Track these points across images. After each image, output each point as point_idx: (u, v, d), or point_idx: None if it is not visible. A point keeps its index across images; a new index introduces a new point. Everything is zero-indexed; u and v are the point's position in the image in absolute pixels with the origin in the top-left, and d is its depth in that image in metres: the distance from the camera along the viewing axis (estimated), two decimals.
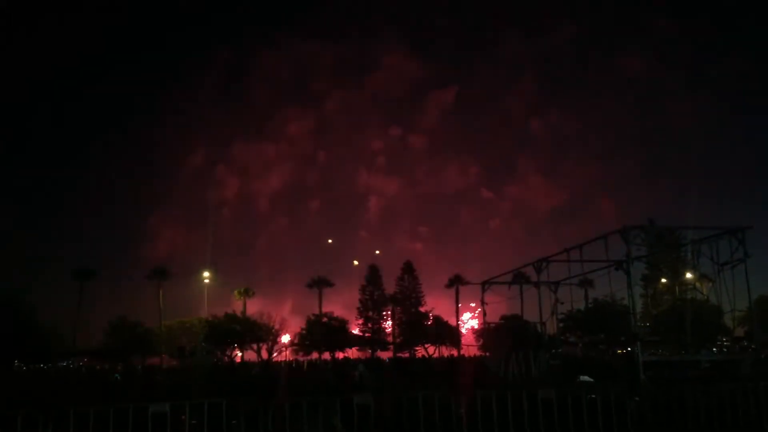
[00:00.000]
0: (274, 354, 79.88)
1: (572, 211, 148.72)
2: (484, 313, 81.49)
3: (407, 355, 79.81)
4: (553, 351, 68.56)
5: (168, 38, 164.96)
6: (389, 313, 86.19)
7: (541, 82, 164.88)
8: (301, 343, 76.25)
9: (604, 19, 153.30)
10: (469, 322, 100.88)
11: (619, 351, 67.24)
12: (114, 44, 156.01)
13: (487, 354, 73.12)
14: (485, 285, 76.55)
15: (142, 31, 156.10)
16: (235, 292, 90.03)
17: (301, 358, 76.34)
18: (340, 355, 76.90)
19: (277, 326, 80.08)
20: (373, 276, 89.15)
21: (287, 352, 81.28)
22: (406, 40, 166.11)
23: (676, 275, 66.59)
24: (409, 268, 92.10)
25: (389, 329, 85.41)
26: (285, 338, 79.96)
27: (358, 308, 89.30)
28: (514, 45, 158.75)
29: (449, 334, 79.72)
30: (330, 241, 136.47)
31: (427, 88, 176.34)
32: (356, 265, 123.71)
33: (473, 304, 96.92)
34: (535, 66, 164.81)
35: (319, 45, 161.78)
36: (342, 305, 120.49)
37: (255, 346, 76.91)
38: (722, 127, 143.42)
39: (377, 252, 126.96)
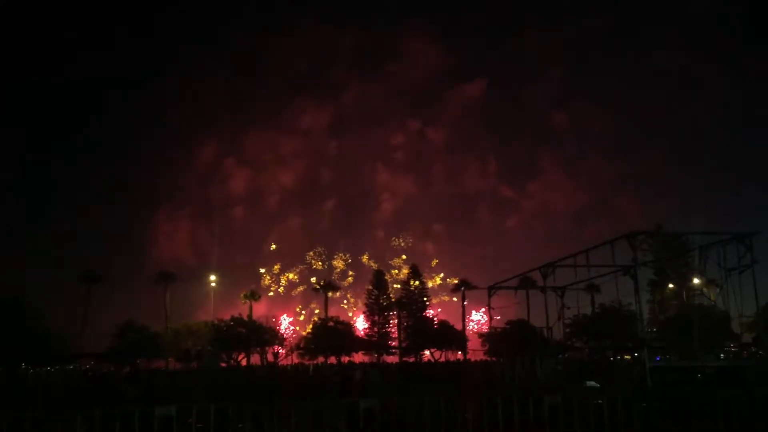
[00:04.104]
0: (280, 359, 79.95)
1: (594, 210, 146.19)
2: (490, 318, 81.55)
3: (413, 359, 79.64)
4: (560, 356, 68.44)
5: (175, 23, 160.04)
6: (395, 316, 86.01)
7: (567, 76, 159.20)
8: (307, 347, 76.15)
9: (634, 7, 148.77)
10: (475, 325, 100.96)
11: (626, 356, 67.05)
12: (119, 34, 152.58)
13: (494, 359, 73.02)
14: (492, 289, 76.49)
15: (148, 15, 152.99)
16: (242, 295, 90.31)
17: (306, 362, 76.18)
18: (346, 359, 76.71)
19: (283, 331, 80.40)
20: (379, 280, 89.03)
21: (293, 356, 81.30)
22: (429, 29, 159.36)
23: (683, 281, 66.33)
24: (415, 272, 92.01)
25: (396, 333, 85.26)
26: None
27: (364, 312, 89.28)
28: (540, 36, 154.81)
29: (455, 338, 79.52)
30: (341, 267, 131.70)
31: (449, 80, 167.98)
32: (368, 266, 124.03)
33: (482, 311, 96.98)
34: (561, 58, 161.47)
35: (339, 31, 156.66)
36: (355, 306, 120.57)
37: (261, 350, 76.96)
38: (738, 128, 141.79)
39: (371, 263, 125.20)
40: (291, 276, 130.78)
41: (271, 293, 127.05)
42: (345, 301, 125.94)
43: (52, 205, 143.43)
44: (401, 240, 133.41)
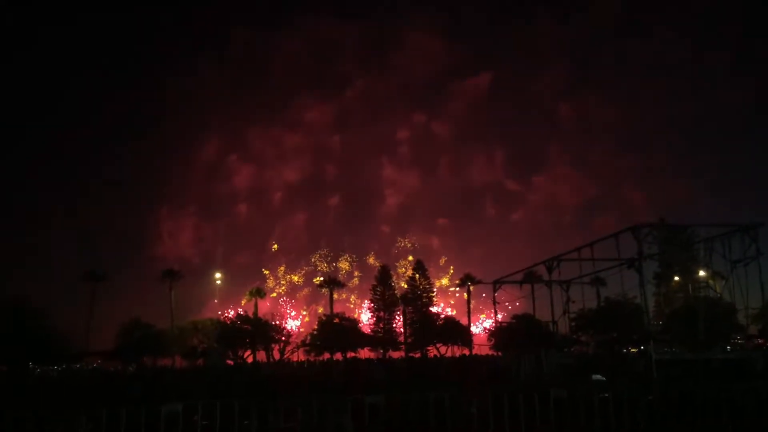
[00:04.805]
0: (286, 355, 79.98)
1: (600, 203, 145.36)
2: (495, 312, 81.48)
3: (419, 354, 79.56)
4: (565, 350, 68.34)
5: (178, 19, 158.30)
6: (401, 312, 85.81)
7: (574, 69, 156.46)
8: (313, 343, 76.19)
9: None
10: (481, 323, 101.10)
11: (632, 350, 66.90)
12: (121, 30, 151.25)
13: (499, 353, 72.96)
14: (497, 284, 76.44)
15: (151, 12, 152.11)
16: (247, 293, 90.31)
17: (312, 359, 76.23)
18: (351, 355, 76.63)
19: (287, 328, 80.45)
20: (384, 276, 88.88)
21: (299, 353, 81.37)
22: (434, 22, 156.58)
23: (688, 273, 66.15)
24: (420, 267, 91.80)
25: (401, 329, 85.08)
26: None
27: (369, 308, 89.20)
28: (546, 28, 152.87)
29: (461, 333, 79.45)
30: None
31: (453, 73, 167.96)
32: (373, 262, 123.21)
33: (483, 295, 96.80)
34: (568, 51, 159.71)
35: (343, 25, 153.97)
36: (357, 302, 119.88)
37: (266, 347, 77.08)
38: (743, 121, 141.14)
39: (377, 262, 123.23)
40: (295, 279, 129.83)
41: (274, 294, 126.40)
42: (352, 302, 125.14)
43: (56, 204, 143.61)
44: (407, 241, 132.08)
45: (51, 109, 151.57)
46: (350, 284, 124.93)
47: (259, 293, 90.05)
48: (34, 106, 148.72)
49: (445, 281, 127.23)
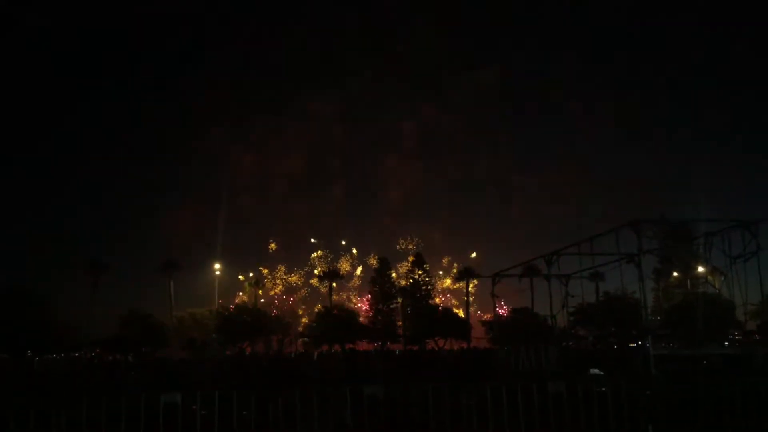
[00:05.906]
0: (285, 347, 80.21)
1: (603, 198, 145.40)
2: (494, 306, 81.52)
3: (417, 347, 79.68)
4: (564, 344, 68.42)
5: (183, 7, 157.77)
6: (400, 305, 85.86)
7: (580, 64, 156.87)
8: (312, 334, 76.36)
9: None
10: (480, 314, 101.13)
11: (630, 345, 67.04)
12: (123, 20, 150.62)
13: (498, 347, 73.06)
14: (496, 278, 76.41)
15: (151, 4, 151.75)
16: (246, 284, 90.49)
17: (311, 350, 76.38)
18: (349, 346, 76.72)
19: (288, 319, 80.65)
20: (383, 268, 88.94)
21: (298, 344, 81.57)
22: (442, 13, 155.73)
23: (687, 269, 66.17)
24: (419, 260, 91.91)
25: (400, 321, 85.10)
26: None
27: (368, 300, 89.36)
28: (555, 22, 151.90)
29: (459, 326, 79.52)
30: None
31: (460, 64, 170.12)
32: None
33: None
34: (575, 46, 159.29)
35: (348, 14, 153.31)
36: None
37: (265, 339, 77.25)
38: (745, 116, 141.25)
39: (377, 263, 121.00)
40: (293, 279, 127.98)
41: (273, 293, 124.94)
42: (353, 302, 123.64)
43: (59, 195, 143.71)
44: (409, 241, 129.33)
45: (52, 103, 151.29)
46: (350, 285, 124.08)
47: (258, 284, 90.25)
48: (34, 102, 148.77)
49: (448, 281, 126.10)
